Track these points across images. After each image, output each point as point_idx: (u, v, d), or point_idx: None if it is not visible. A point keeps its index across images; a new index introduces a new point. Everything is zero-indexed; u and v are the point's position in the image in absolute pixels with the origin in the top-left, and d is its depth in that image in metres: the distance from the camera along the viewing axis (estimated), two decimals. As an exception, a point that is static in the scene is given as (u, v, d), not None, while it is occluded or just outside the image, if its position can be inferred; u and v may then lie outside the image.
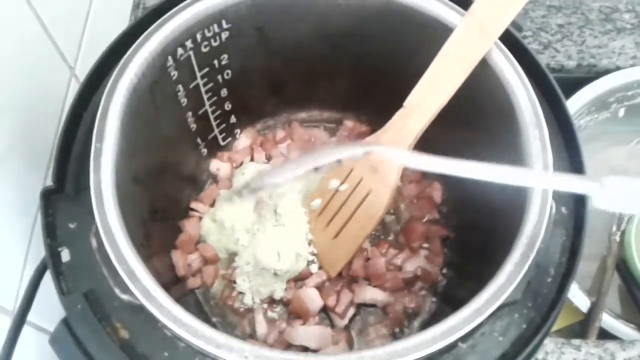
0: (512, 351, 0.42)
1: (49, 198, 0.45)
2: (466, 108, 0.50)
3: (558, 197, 0.46)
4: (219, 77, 0.57)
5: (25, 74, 0.53)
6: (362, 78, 0.61)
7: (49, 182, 0.46)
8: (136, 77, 0.47)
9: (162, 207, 0.57)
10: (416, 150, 0.53)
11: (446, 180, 0.65)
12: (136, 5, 0.79)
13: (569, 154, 0.48)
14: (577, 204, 0.46)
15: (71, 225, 0.45)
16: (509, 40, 0.48)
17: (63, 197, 0.46)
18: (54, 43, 0.58)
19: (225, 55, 0.55)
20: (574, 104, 0.74)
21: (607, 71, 0.76)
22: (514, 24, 0.49)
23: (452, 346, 0.41)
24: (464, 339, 0.40)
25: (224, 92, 0.60)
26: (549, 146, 0.44)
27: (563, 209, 0.46)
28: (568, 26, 0.79)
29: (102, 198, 0.42)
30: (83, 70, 0.63)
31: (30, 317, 0.46)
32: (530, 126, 0.45)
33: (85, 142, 0.47)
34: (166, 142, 0.55)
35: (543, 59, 0.76)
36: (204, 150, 0.64)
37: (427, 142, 0.52)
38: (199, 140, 0.62)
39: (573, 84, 0.75)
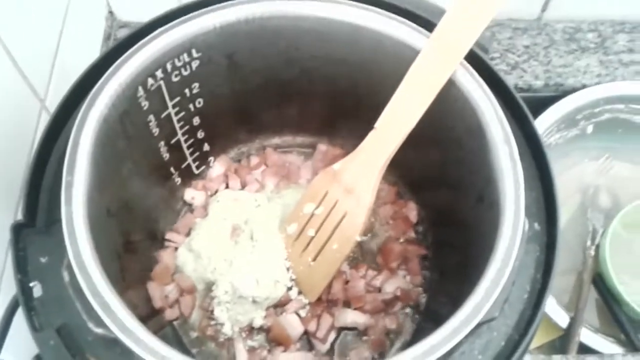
0: (492, 369, 0.42)
1: (19, 232, 0.44)
2: (436, 128, 0.50)
3: (530, 213, 0.46)
4: (191, 105, 0.57)
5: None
6: (335, 102, 0.61)
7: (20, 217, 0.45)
8: (106, 108, 0.47)
9: (136, 238, 0.56)
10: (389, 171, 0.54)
11: (421, 200, 0.65)
12: (107, 37, 0.79)
13: (539, 171, 0.49)
14: (549, 220, 0.47)
15: (42, 260, 0.44)
16: (475, 61, 0.49)
17: (34, 231, 0.45)
18: (23, 76, 0.57)
19: (197, 84, 0.55)
20: (543, 122, 0.75)
21: (573, 90, 0.77)
22: (480, 46, 0.50)
23: (433, 366, 0.40)
24: (444, 358, 0.40)
25: (196, 120, 0.59)
26: (519, 161, 0.45)
27: (536, 225, 0.47)
28: (534, 47, 0.81)
29: (74, 231, 0.41)
30: (54, 103, 0.62)
31: (3, 355, 0.44)
32: (499, 143, 0.45)
33: (56, 175, 0.47)
34: (139, 173, 0.55)
35: (511, 79, 0.78)
36: (178, 180, 0.64)
37: (399, 163, 0.52)
38: (172, 169, 0.62)
39: (541, 103, 0.77)
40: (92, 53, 0.76)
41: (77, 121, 0.45)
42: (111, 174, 0.48)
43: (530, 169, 0.48)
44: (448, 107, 0.49)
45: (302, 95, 0.62)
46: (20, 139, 0.58)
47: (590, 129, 0.80)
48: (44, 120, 0.61)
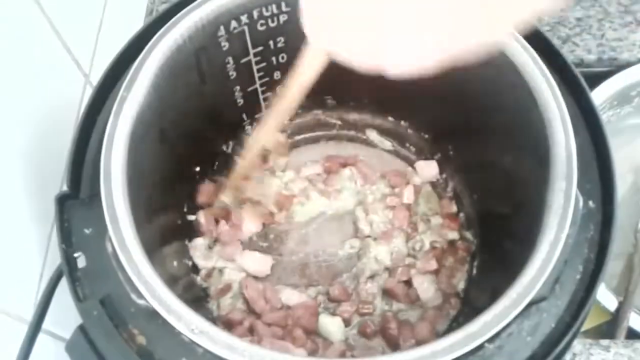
0: (541, 351, 0.40)
1: (64, 203, 0.44)
2: (485, 98, 0.49)
3: (584, 190, 0.44)
4: (273, 58, 0.56)
5: (41, 84, 0.53)
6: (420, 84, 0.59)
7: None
8: (182, 39, 0.46)
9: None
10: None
11: (466, 172, 0.63)
12: (149, 13, 0.79)
13: (595, 146, 0.47)
14: (605, 198, 0.45)
15: (87, 231, 0.44)
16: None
17: (78, 203, 0.45)
18: (68, 51, 0.58)
19: (282, 38, 0.54)
20: (595, 98, 0.71)
21: (628, 64, 0.74)
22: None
23: (479, 347, 0.39)
24: (491, 339, 0.39)
25: (277, 74, 0.58)
26: (572, 133, 0.43)
27: (590, 203, 0.45)
28: (587, 19, 0.77)
29: (112, 202, 0.41)
30: (97, 78, 0.63)
31: (47, 324, 0.45)
32: (550, 112, 0.44)
33: (99, 147, 0.47)
34: (209, 108, 0.55)
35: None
36: (249, 127, 0.63)
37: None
38: (244, 116, 0.61)
39: (594, 78, 0.73)
40: (135, 29, 0.76)
41: (144, 51, 0.45)
42: (174, 101, 0.48)
43: (585, 144, 0.46)
44: (497, 78, 0.47)
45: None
46: (65, 112, 0.59)
47: (645, 105, 0.76)
48: (88, 94, 0.62)
